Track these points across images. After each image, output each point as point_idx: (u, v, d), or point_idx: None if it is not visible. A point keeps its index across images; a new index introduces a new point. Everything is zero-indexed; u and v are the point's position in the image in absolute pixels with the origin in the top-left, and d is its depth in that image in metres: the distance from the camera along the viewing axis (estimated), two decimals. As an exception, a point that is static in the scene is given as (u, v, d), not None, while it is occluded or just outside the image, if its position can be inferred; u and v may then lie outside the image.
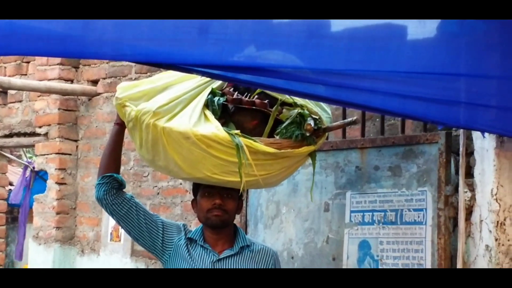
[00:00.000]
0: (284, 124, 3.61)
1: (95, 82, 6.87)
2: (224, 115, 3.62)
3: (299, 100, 3.67)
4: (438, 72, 3.14)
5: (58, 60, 6.86)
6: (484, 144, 4.02)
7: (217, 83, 3.64)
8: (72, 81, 6.95)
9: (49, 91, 6.82)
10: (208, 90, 3.60)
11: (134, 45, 2.74)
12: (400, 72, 3.11)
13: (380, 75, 3.10)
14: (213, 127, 3.47)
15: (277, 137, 3.61)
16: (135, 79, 6.31)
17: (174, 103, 3.51)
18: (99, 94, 6.80)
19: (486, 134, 3.90)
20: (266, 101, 3.65)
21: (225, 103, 3.62)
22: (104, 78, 6.79)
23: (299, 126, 3.60)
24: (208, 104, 3.57)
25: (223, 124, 3.54)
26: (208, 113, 3.54)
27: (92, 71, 6.89)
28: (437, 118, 3.42)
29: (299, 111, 3.63)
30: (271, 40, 2.92)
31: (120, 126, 3.71)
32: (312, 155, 3.71)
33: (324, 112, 3.74)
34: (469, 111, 3.31)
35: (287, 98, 3.67)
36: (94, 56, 2.97)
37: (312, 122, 3.60)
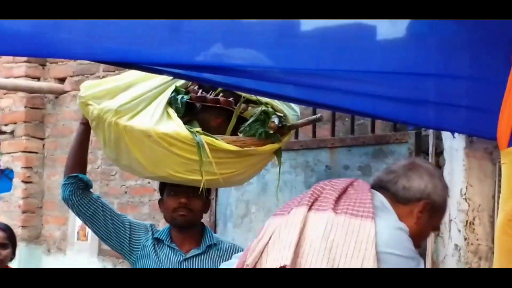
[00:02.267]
0: (248, 122, 3.59)
1: (62, 80, 6.80)
2: (189, 113, 3.60)
3: (263, 98, 3.66)
4: (408, 72, 3.13)
5: (24, 57, 6.79)
6: (454, 144, 4.03)
7: (181, 81, 3.62)
8: (38, 79, 6.87)
9: (15, 89, 6.74)
10: (172, 88, 3.58)
11: (104, 44, 2.71)
12: (371, 72, 3.11)
13: (350, 75, 3.09)
14: (174, 125, 3.45)
15: (241, 135, 3.59)
16: (103, 77, 6.26)
17: (137, 101, 3.49)
18: (66, 92, 6.74)
19: (456, 134, 3.91)
20: (231, 99, 3.63)
21: (190, 101, 3.60)
22: (71, 76, 6.73)
23: (263, 123, 3.58)
24: (171, 102, 3.55)
25: (187, 122, 3.52)
26: (171, 111, 3.52)
27: (59, 68, 6.82)
28: (407, 119, 3.42)
29: (263, 108, 3.61)
30: (242, 38, 2.91)
31: (86, 126, 3.67)
32: (277, 153, 3.69)
33: (291, 110, 3.72)
34: (439, 111, 3.31)
35: (250, 95, 3.65)
36: (64, 55, 2.94)
37: (276, 120, 3.58)
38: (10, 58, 6.92)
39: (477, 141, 3.98)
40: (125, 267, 5.98)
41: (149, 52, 2.81)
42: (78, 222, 6.38)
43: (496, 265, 2.53)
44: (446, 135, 4.07)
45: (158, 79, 3.58)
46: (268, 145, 3.59)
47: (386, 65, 3.10)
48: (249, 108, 3.65)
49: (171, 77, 3.53)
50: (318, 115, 3.77)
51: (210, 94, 3.64)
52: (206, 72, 2.95)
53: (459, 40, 3.09)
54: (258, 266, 2.59)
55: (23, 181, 6.82)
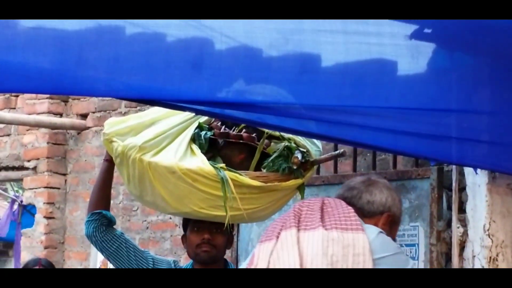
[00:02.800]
0: (271, 158, 3.60)
1: (84, 116, 6.85)
2: (212, 149, 3.62)
3: (285, 134, 3.67)
4: (429, 107, 3.13)
5: (47, 94, 6.84)
6: (476, 180, 4.02)
7: (204, 117, 3.64)
8: (61, 115, 6.93)
9: (38, 125, 6.80)
10: (195, 124, 3.60)
11: (126, 81, 2.74)
12: (392, 107, 3.11)
13: (371, 111, 3.09)
14: (198, 161, 3.46)
15: (264, 171, 3.60)
16: (125, 113, 6.30)
17: (161, 137, 3.51)
18: (88, 128, 6.79)
19: (478, 170, 3.90)
20: (253, 135, 3.64)
21: (213, 137, 3.61)
22: (93, 112, 6.78)
23: (286, 159, 3.59)
24: (195, 139, 3.57)
25: (210, 158, 3.53)
26: (195, 147, 3.53)
27: (81, 105, 6.87)
28: (428, 154, 3.41)
29: (286, 144, 3.63)
30: (263, 75, 2.92)
31: (109, 163, 3.70)
32: (300, 188, 3.69)
33: (313, 145, 3.73)
34: (461, 146, 3.30)
35: (273, 131, 3.67)
36: (86, 93, 2.97)
37: (299, 155, 3.59)
38: (33, 95, 6.98)
39: (500, 176, 3.97)
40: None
41: (170, 88, 2.83)
42: (100, 257, 6.39)
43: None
44: (468, 170, 4.06)
45: (181, 116, 3.60)
46: (292, 180, 3.59)
47: (407, 100, 3.10)
48: (272, 143, 3.67)
49: (194, 114, 3.56)
50: (341, 150, 3.78)
51: (233, 130, 3.66)
52: (228, 108, 2.97)
53: (480, 75, 3.09)
54: None
55: (45, 217, 6.85)
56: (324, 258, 2.56)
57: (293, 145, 3.63)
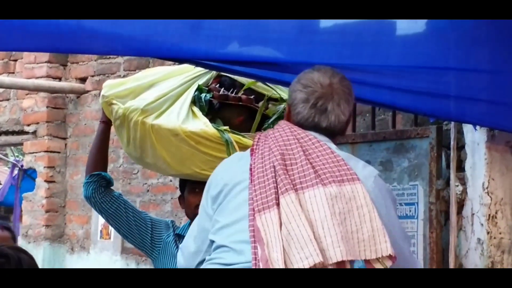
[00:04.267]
0: (271, 119, 3.62)
1: (83, 80, 6.84)
2: (211, 112, 3.63)
3: (285, 95, 3.68)
4: (428, 66, 3.14)
5: (46, 58, 6.84)
6: (475, 138, 4.02)
7: (203, 80, 3.64)
8: (60, 79, 6.92)
9: (37, 89, 6.80)
10: (195, 87, 3.60)
11: (127, 41, 2.74)
12: (390, 66, 3.12)
13: (370, 69, 3.10)
14: (201, 124, 3.47)
15: (265, 132, 3.61)
16: (124, 76, 6.29)
17: (162, 100, 3.51)
18: (87, 91, 6.78)
19: (477, 128, 3.91)
20: (252, 97, 3.64)
21: (211, 99, 3.62)
22: (92, 76, 6.77)
23: (286, 121, 3.60)
24: (195, 101, 3.57)
25: (210, 121, 3.54)
26: (196, 109, 3.55)
27: (80, 68, 6.86)
28: (427, 111, 3.43)
29: (286, 106, 3.63)
30: (260, 36, 2.93)
31: (106, 124, 3.71)
32: (299, 150, 3.71)
33: (308, 107, 3.74)
34: (460, 104, 3.32)
35: (273, 93, 3.67)
36: (86, 51, 2.97)
37: (298, 117, 3.60)
38: (32, 59, 6.97)
39: (499, 134, 3.97)
40: (148, 265, 6.01)
41: (169, 47, 2.84)
42: (101, 220, 6.42)
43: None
44: (467, 128, 4.07)
45: (180, 78, 3.61)
46: None
47: (406, 59, 3.11)
48: (270, 105, 3.67)
49: (193, 76, 3.57)
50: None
51: (232, 92, 3.66)
52: (230, 65, 2.99)
53: (479, 34, 3.09)
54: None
55: (46, 181, 6.87)
56: (333, 218, 2.49)
57: (292, 107, 3.64)
